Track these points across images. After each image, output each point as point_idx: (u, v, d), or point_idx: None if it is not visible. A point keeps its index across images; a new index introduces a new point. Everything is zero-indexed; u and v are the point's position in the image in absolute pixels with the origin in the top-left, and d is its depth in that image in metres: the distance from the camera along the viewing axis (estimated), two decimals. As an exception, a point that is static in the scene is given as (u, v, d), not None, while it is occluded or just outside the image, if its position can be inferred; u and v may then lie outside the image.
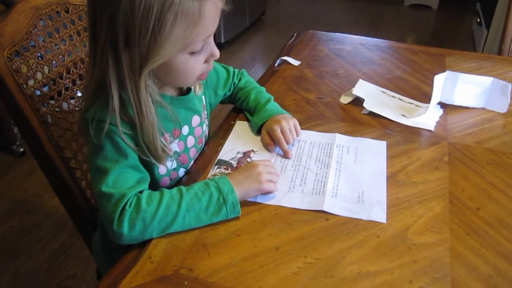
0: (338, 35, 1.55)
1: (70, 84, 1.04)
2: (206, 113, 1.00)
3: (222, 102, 1.11)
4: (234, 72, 1.11)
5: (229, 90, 1.10)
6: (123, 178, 0.74)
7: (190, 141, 0.92)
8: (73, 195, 1.04)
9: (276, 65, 1.34)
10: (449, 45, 3.74)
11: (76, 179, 1.05)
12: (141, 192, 0.75)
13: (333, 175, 0.89)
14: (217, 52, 0.81)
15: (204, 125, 0.97)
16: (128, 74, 0.71)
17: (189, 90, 0.91)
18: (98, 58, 0.72)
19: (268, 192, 0.84)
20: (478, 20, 3.59)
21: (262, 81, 1.23)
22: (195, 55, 0.77)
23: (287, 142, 0.95)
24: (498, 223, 0.78)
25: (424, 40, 3.90)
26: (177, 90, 0.90)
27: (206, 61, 0.81)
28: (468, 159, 0.95)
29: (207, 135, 1.01)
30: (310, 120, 1.07)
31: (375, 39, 1.53)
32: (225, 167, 0.91)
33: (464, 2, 4.56)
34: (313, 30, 1.60)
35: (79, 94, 1.04)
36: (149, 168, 0.82)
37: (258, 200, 0.82)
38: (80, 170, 1.06)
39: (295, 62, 1.34)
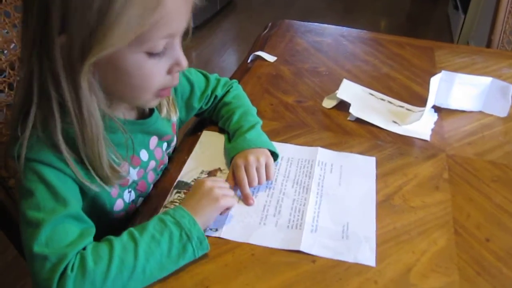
0: (316, 25, 1.40)
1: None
2: (173, 134, 0.83)
3: (198, 115, 0.94)
4: (217, 81, 0.92)
5: (207, 103, 0.91)
6: (61, 233, 0.57)
7: (151, 165, 0.77)
8: (13, 220, 0.88)
9: (249, 61, 1.19)
10: (425, 30, 3.66)
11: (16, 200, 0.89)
12: (84, 248, 0.58)
13: (313, 202, 0.75)
14: (184, 61, 0.64)
15: (164, 144, 0.81)
16: (64, 67, 0.55)
17: (151, 111, 0.75)
18: (27, 54, 0.57)
19: (228, 209, 0.70)
20: (454, 4, 3.50)
21: (233, 81, 1.08)
22: (154, 57, 0.61)
23: (250, 184, 0.76)
24: (513, 259, 0.67)
25: (399, 24, 3.79)
26: (134, 112, 0.73)
27: (170, 72, 0.64)
28: (470, 176, 0.83)
29: (170, 152, 0.86)
30: (290, 129, 0.93)
31: (357, 30, 1.39)
32: (185, 191, 0.76)
33: (439, -15, 4.46)
34: (289, 20, 1.45)
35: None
36: (100, 205, 0.66)
37: (223, 236, 0.68)
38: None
39: (270, 58, 1.19)
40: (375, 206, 0.75)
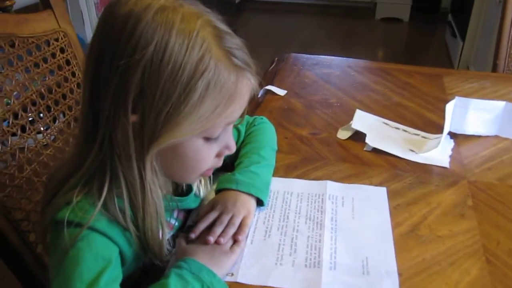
0: (323, 57, 1.42)
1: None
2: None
3: None
4: (248, 122, 0.89)
5: None
6: None
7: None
8: (26, 265, 0.86)
9: (259, 95, 1.19)
10: (424, 57, 3.70)
11: (30, 244, 0.87)
12: None
13: (328, 237, 0.73)
14: (233, 146, 0.67)
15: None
16: (135, 148, 0.56)
17: (188, 188, 0.74)
18: (99, 126, 0.57)
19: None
20: (452, 31, 3.55)
21: (245, 116, 1.08)
22: (210, 142, 0.62)
23: (212, 233, 0.69)
24: (551, 287, 0.65)
25: (398, 53, 3.84)
26: (169, 186, 0.71)
27: (219, 155, 0.66)
28: (494, 201, 0.82)
29: None
30: (306, 162, 0.92)
31: (364, 60, 1.40)
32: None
33: (435, 14, 4.54)
34: (295, 53, 1.46)
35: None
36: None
37: (239, 280, 0.65)
38: (34, 233, 0.88)
39: (280, 92, 1.20)
40: (392, 237, 0.73)
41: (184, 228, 0.75)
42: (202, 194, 0.77)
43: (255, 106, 1.14)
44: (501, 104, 0.99)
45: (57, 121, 1.00)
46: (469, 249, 0.71)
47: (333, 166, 0.91)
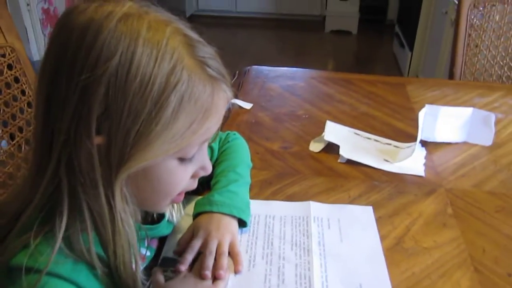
0: (286, 69, 1.39)
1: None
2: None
3: None
4: (220, 139, 0.85)
5: None
6: None
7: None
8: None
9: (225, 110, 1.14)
10: (374, 68, 3.79)
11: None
12: None
13: (318, 264, 0.67)
14: (209, 167, 0.60)
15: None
16: (101, 174, 0.49)
17: (159, 214, 0.67)
18: (55, 150, 0.49)
19: None
20: (400, 42, 3.66)
21: (212, 132, 1.03)
22: (185, 163, 0.56)
23: (203, 267, 0.63)
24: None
25: (349, 64, 3.91)
26: (138, 214, 0.65)
27: (194, 176, 0.60)
28: (474, 208, 0.81)
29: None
30: (281, 177, 0.88)
31: (327, 71, 1.39)
32: (172, 269, 0.64)
33: (382, 25, 4.68)
34: (256, 66, 1.43)
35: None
36: None
37: None
38: None
39: (246, 105, 1.16)
40: (384, 259, 0.69)
41: (159, 261, 0.67)
42: (175, 219, 0.71)
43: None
44: (468, 110, 0.99)
45: (6, 143, 0.92)
46: (456, 259, 0.70)
47: (309, 181, 0.87)
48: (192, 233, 0.69)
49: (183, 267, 0.63)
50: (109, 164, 0.49)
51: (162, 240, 0.71)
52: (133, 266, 0.55)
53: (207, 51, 0.54)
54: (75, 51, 0.47)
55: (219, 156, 0.83)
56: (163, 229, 0.68)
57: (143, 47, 0.47)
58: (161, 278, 0.62)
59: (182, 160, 0.55)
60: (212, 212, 0.70)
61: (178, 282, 0.62)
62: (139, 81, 0.47)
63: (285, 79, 1.32)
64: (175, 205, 0.70)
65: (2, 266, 0.50)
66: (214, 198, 0.72)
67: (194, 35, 0.54)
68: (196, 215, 0.72)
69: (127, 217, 0.53)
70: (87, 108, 0.47)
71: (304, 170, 0.91)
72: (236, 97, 1.19)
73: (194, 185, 0.62)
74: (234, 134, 0.88)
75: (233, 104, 1.15)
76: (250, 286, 0.64)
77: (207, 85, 0.52)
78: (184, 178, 0.58)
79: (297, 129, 1.06)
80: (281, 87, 1.27)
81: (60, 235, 0.49)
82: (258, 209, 0.78)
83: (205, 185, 0.79)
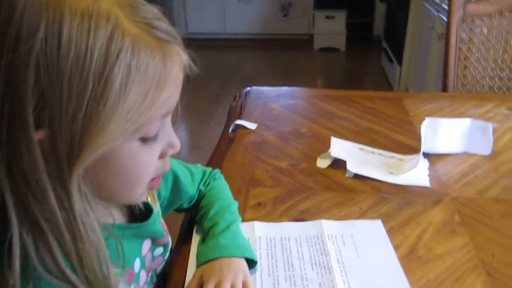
0: (286, 89, 1.44)
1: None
2: (167, 235, 0.72)
3: (178, 211, 0.82)
4: (204, 174, 0.82)
5: (190, 201, 0.81)
6: None
7: (142, 278, 0.65)
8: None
9: (230, 131, 1.18)
10: (364, 83, 3.86)
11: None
12: None
13: (341, 282, 0.68)
14: (177, 142, 0.54)
15: (159, 249, 0.69)
16: (48, 173, 0.43)
17: (147, 211, 0.64)
18: None
19: None
20: (388, 57, 3.74)
21: (220, 154, 1.06)
22: (148, 143, 0.50)
23: None
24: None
25: (338, 80, 3.98)
26: (123, 213, 0.61)
27: (162, 156, 0.54)
28: (480, 215, 0.84)
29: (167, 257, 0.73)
30: (292, 194, 0.91)
31: (326, 89, 1.43)
32: None
33: (369, 41, 4.78)
34: (256, 87, 1.47)
35: None
36: None
37: None
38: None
39: (251, 126, 1.19)
40: (402, 269, 0.71)
41: None
42: (155, 207, 0.66)
43: (228, 142, 1.13)
44: (466, 121, 1.04)
45: None
46: (468, 264, 0.73)
47: (320, 196, 0.90)
48: (200, 280, 0.66)
49: None
50: (57, 160, 0.43)
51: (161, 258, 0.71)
52: (104, 271, 0.49)
53: (150, 10, 0.48)
54: None
55: (209, 194, 0.81)
56: (155, 226, 0.65)
57: (71, 14, 0.41)
58: None
59: (144, 140, 0.49)
60: (218, 258, 0.68)
61: None
62: (73, 56, 0.41)
63: (286, 98, 1.36)
64: (148, 197, 0.65)
65: None
66: (221, 243, 0.70)
67: None
68: (200, 264, 0.69)
69: (89, 220, 0.46)
70: (18, 99, 0.40)
71: (313, 186, 0.94)
72: (239, 118, 1.23)
73: (166, 166, 0.56)
74: (219, 170, 0.88)
75: (238, 126, 1.19)
76: None
77: (156, 49, 0.46)
78: (150, 160, 0.52)
79: (303, 146, 1.09)
80: (282, 106, 1.31)
81: (17, 262, 0.42)
82: (272, 231, 0.80)
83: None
